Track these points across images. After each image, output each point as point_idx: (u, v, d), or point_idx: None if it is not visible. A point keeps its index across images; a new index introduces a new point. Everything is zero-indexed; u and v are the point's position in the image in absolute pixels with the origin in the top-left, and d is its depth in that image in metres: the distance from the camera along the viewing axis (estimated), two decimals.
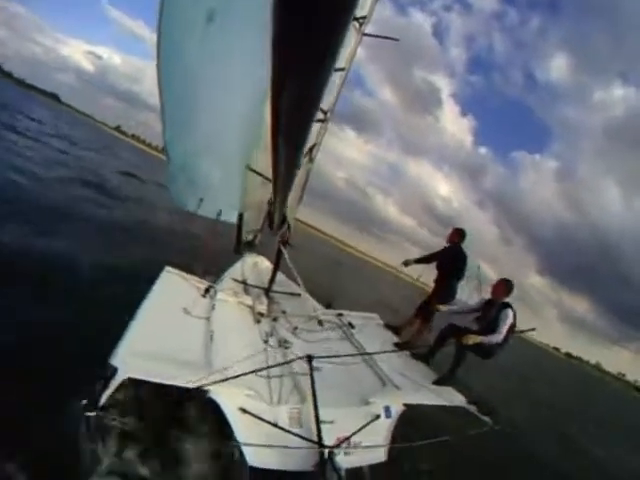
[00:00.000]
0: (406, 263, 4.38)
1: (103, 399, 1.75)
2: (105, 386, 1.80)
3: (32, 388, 2.45)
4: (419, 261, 4.34)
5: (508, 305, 3.35)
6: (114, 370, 1.89)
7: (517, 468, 5.14)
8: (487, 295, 3.64)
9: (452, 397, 3.08)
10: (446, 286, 4.24)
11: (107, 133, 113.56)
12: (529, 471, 5.26)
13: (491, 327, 3.28)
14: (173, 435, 2.26)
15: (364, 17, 3.62)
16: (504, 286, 3.45)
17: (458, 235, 4.22)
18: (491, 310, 3.41)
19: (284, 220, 4.57)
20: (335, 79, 3.61)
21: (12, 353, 2.77)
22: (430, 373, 3.49)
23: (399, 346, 3.98)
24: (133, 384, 2.06)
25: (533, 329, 3.39)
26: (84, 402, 1.71)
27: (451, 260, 4.19)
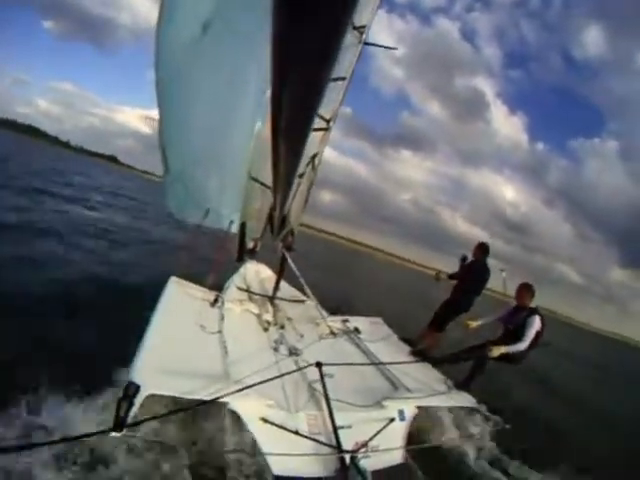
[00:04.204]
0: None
1: (130, 418, 1.75)
2: (130, 404, 1.81)
3: None
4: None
5: (536, 311, 3.31)
6: (136, 387, 1.89)
7: None
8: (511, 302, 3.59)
9: (462, 398, 3.16)
10: (463, 299, 4.20)
11: None
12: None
13: (517, 334, 3.24)
14: (197, 448, 2.27)
15: (364, 26, 3.68)
16: (526, 290, 3.42)
17: (481, 250, 4.17)
18: (518, 316, 3.38)
19: (284, 225, 4.58)
20: (337, 88, 3.66)
21: None
22: (439, 376, 3.54)
23: (414, 354, 3.99)
24: (153, 399, 2.06)
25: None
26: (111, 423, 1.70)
27: (473, 275, 4.16)
